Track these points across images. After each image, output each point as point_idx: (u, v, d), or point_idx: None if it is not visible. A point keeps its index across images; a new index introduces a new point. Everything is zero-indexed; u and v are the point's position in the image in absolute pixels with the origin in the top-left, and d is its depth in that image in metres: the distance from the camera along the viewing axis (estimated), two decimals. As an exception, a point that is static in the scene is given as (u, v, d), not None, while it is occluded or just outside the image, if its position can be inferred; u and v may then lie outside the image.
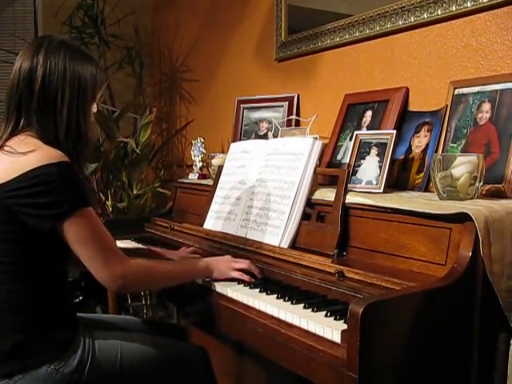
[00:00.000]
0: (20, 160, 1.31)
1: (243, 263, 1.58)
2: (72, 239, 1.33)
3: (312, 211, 1.64)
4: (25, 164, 1.30)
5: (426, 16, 1.82)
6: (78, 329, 1.44)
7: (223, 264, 1.58)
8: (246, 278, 1.55)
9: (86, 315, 1.66)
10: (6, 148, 1.36)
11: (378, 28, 1.99)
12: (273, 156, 1.80)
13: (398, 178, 1.81)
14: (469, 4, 1.68)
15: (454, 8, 1.73)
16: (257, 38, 2.66)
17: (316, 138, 1.78)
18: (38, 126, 1.38)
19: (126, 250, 1.79)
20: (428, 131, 1.77)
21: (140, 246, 2.10)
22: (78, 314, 1.53)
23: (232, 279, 1.56)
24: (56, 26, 3.10)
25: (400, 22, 1.90)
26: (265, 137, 2.41)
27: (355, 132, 1.81)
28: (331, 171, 1.70)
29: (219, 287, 1.53)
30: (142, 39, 3.37)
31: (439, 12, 1.77)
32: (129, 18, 3.29)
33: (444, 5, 1.75)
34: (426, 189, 1.69)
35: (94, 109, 1.51)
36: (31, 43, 1.47)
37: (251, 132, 2.48)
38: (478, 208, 1.24)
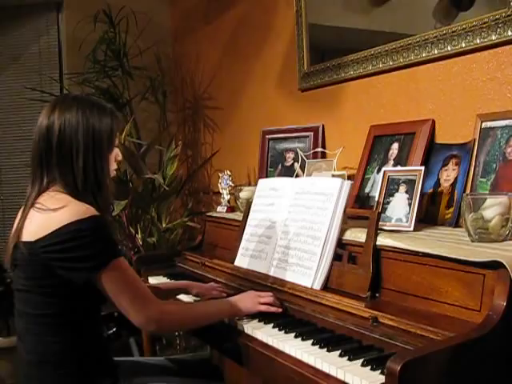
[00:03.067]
0: (52, 216, 1.37)
1: (268, 297, 1.64)
2: (107, 290, 1.39)
3: (343, 252, 1.64)
4: (57, 220, 1.36)
5: (449, 48, 1.82)
6: (118, 376, 1.48)
7: (249, 300, 1.63)
8: (273, 309, 1.61)
9: (124, 360, 1.69)
10: (37, 205, 1.41)
11: (401, 60, 1.99)
12: (301, 195, 1.81)
13: (427, 212, 1.80)
14: (493, 37, 1.68)
15: (478, 41, 1.73)
16: (279, 67, 2.68)
17: (344, 178, 1.79)
18: (61, 179, 1.45)
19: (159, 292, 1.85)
20: (456, 165, 1.77)
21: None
22: (117, 359, 1.57)
23: (260, 313, 1.60)
24: (80, 60, 3.16)
25: (424, 54, 1.91)
26: (291, 167, 2.43)
27: (383, 169, 1.81)
28: (361, 212, 1.71)
29: (254, 331, 1.54)
30: (163, 69, 3.42)
31: (463, 44, 1.77)
32: (150, 48, 3.34)
33: (468, 37, 1.75)
34: (457, 224, 1.69)
35: (119, 156, 1.58)
36: (49, 103, 1.55)
37: (277, 163, 2.50)
38: (511, 255, 1.23)
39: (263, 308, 1.60)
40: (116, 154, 1.55)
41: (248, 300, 1.62)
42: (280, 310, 1.60)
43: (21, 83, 3.53)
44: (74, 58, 3.31)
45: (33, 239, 1.37)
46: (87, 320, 1.44)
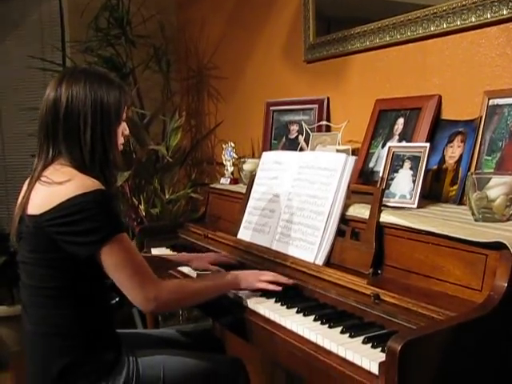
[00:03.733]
0: (57, 190, 1.37)
1: (269, 275, 1.63)
2: (108, 265, 1.39)
3: (346, 228, 1.65)
4: (62, 193, 1.36)
5: (459, 23, 1.78)
6: (122, 348, 1.49)
7: (251, 276, 1.63)
8: (271, 287, 1.60)
9: (127, 332, 1.71)
10: (42, 178, 1.42)
11: (409, 33, 1.96)
12: (305, 170, 1.80)
13: (431, 189, 1.80)
14: (505, 11, 1.64)
15: (488, 15, 1.69)
16: (285, 37, 2.64)
17: (348, 152, 1.78)
18: (67, 152, 1.44)
19: (160, 260, 1.87)
20: (462, 141, 1.76)
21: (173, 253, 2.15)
22: (120, 331, 1.59)
23: (259, 290, 1.61)
24: (82, 28, 3.11)
25: (432, 28, 1.87)
26: (295, 140, 2.41)
27: (388, 144, 1.80)
28: (365, 188, 1.70)
29: (256, 305, 1.55)
30: (167, 37, 3.37)
31: (473, 19, 1.74)
32: (154, 16, 3.29)
33: (478, 11, 1.72)
34: (461, 201, 1.68)
35: (126, 131, 1.57)
36: (56, 76, 1.54)
37: (281, 135, 2.48)
38: (515, 237, 1.23)
39: (262, 285, 1.60)
40: (123, 128, 1.55)
41: (249, 276, 1.63)
42: (279, 288, 1.59)
43: (22, 51, 3.47)
44: (76, 25, 3.26)
45: (38, 212, 1.38)
46: (91, 293, 1.45)
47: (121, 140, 1.55)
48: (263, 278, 1.61)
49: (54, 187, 1.38)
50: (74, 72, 1.50)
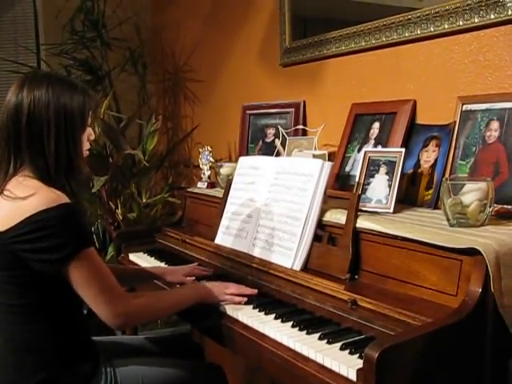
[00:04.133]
0: (20, 205, 1.32)
1: (234, 288, 1.63)
2: (75, 281, 1.35)
3: (323, 233, 1.66)
4: (25, 209, 1.31)
5: (432, 29, 1.80)
6: (99, 358, 1.48)
7: (216, 289, 1.61)
8: (237, 299, 1.59)
9: (104, 339, 1.70)
10: (5, 192, 1.37)
11: (384, 38, 1.98)
12: (282, 175, 1.81)
13: (407, 193, 1.82)
14: (476, 19, 1.67)
15: (460, 22, 1.72)
16: (261, 41, 2.65)
17: (325, 158, 1.79)
18: (31, 163, 1.39)
19: (134, 273, 1.86)
20: (436, 146, 1.78)
21: (155, 261, 2.14)
22: (97, 339, 1.57)
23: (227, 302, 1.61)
24: (57, 30, 3.08)
25: (406, 34, 1.89)
26: (272, 144, 2.42)
27: (364, 149, 1.82)
28: (342, 194, 1.71)
29: (235, 312, 1.55)
30: (143, 39, 3.35)
31: (446, 26, 1.76)
32: (130, 18, 3.27)
33: (451, 19, 1.74)
34: (435, 206, 1.71)
35: (92, 136, 1.52)
36: (17, 80, 1.47)
37: (258, 139, 2.49)
38: (488, 243, 1.25)
39: (227, 297, 1.59)
40: (89, 133, 1.50)
41: (215, 289, 1.61)
42: (244, 299, 1.59)
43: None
44: (51, 27, 3.23)
45: (2, 229, 1.33)
46: (63, 308, 1.42)
47: (86, 146, 1.50)
48: (228, 291, 1.60)
49: (18, 202, 1.33)
50: (35, 76, 1.45)
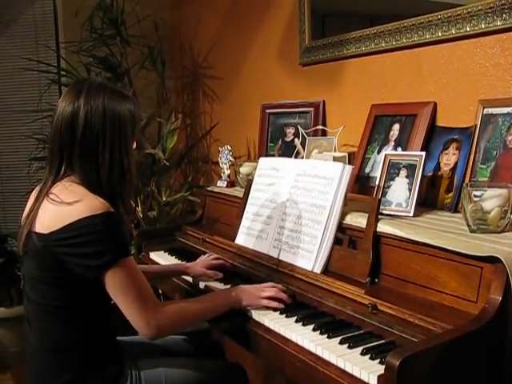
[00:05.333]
0: (66, 210, 1.36)
1: (271, 291, 1.62)
2: (112, 288, 1.38)
3: (343, 236, 1.67)
4: (70, 214, 1.35)
5: (453, 31, 1.80)
6: (125, 361, 1.51)
7: (252, 293, 1.61)
8: (274, 304, 1.59)
9: (128, 339, 1.73)
10: (51, 196, 1.41)
11: (404, 40, 1.98)
12: (303, 177, 1.82)
13: (427, 195, 1.83)
14: (498, 22, 1.66)
15: (482, 25, 1.71)
16: (280, 39, 2.65)
17: (345, 160, 1.80)
18: (81, 170, 1.43)
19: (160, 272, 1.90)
20: (457, 149, 1.78)
21: (175, 259, 2.18)
22: (120, 339, 1.60)
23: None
24: (76, 27, 3.09)
25: (427, 36, 1.89)
26: (291, 143, 2.43)
27: (384, 152, 1.83)
28: (362, 198, 1.72)
29: (257, 315, 1.58)
30: (162, 35, 3.36)
31: (467, 28, 1.76)
32: (149, 15, 3.28)
33: (473, 21, 1.74)
34: (455, 209, 1.71)
35: (134, 145, 1.54)
36: (71, 87, 1.50)
37: (277, 138, 2.50)
38: (509, 251, 1.26)
39: (265, 302, 1.59)
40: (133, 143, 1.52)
41: (250, 292, 1.61)
42: (281, 305, 1.59)
43: (15, 51, 3.46)
44: (70, 25, 3.24)
45: (46, 232, 1.37)
46: (95, 312, 1.46)
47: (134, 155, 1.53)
48: (265, 295, 1.60)
49: (63, 207, 1.37)
50: (91, 86, 1.46)
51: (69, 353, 1.43)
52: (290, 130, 2.46)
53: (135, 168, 1.51)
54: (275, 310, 1.59)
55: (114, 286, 1.38)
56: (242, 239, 2.03)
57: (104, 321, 1.49)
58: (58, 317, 1.42)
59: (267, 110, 2.55)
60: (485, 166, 1.67)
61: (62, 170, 1.44)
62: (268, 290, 1.62)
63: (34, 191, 1.52)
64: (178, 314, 1.49)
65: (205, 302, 1.60)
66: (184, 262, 2.03)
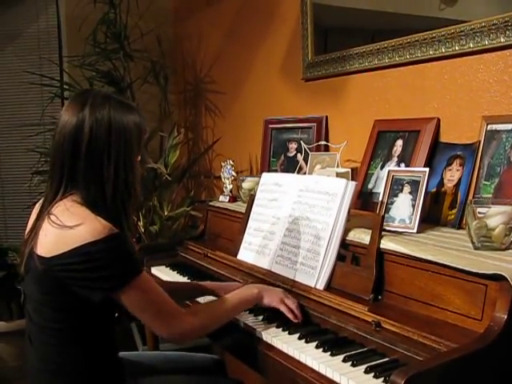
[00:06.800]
0: (67, 234, 1.30)
1: (293, 303, 1.61)
2: (129, 307, 1.35)
3: (347, 252, 1.66)
4: (72, 239, 1.30)
5: (457, 48, 1.80)
6: (125, 380, 1.50)
7: (276, 294, 1.62)
8: (291, 316, 1.58)
9: (130, 356, 1.71)
10: (52, 217, 1.35)
11: (407, 56, 1.98)
12: (305, 193, 1.82)
13: (430, 211, 1.82)
14: (502, 39, 1.67)
15: (486, 42, 1.71)
16: (283, 55, 2.66)
17: (348, 176, 1.79)
18: (84, 187, 1.36)
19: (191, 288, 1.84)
20: (460, 165, 1.78)
21: (177, 275, 2.16)
22: (122, 355, 1.58)
23: (276, 311, 1.60)
24: (79, 42, 3.10)
25: (431, 52, 1.89)
26: (294, 158, 2.43)
27: (387, 168, 1.82)
28: (366, 214, 1.72)
29: (258, 331, 1.56)
30: (165, 50, 3.38)
31: (471, 44, 1.76)
32: (152, 30, 3.30)
33: (476, 38, 1.74)
34: (459, 225, 1.70)
35: (138, 159, 1.47)
36: (74, 99, 1.44)
37: (280, 153, 2.50)
38: (514, 268, 1.25)
39: (283, 308, 1.58)
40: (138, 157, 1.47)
41: (274, 293, 1.62)
42: (296, 320, 1.57)
43: (19, 64, 3.48)
44: (74, 39, 3.27)
45: (47, 255, 1.32)
46: (99, 334, 1.43)
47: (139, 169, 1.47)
48: (287, 302, 1.59)
49: (65, 231, 1.31)
50: (96, 97, 1.39)
51: (69, 374, 1.40)
52: (293, 146, 2.46)
53: (140, 183, 1.47)
54: (278, 326, 1.58)
55: (131, 305, 1.34)
56: (244, 255, 2.01)
57: (106, 341, 1.46)
58: (59, 339, 1.39)
59: (270, 125, 2.55)
60: (488, 183, 1.67)
61: (63, 185, 1.38)
62: (291, 299, 1.62)
63: (36, 205, 1.49)
64: (202, 319, 1.48)
65: (229, 302, 1.56)
66: (188, 280, 2.01)
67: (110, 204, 1.37)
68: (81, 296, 1.33)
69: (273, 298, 1.60)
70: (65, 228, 1.31)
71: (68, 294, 1.34)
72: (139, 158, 1.46)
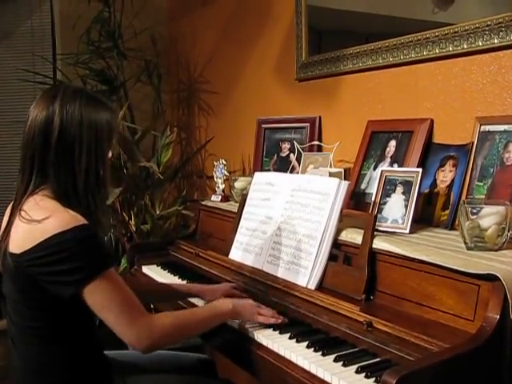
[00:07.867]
0: (36, 228, 1.29)
1: (267, 311, 1.58)
2: (94, 304, 1.31)
3: (339, 252, 1.65)
4: (40, 232, 1.28)
5: (451, 48, 1.80)
6: (112, 378, 1.48)
7: (249, 308, 1.58)
8: (272, 321, 1.55)
9: (116, 354, 1.68)
10: (22, 213, 1.33)
11: (401, 56, 1.98)
12: (298, 193, 1.81)
13: (423, 212, 1.81)
14: (496, 40, 1.67)
15: (480, 43, 1.71)
16: (277, 55, 2.65)
17: (341, 176, 1.78)
18: (55, 179, 1.35)
19: (170, 290, 1.80)
20: (453, 166, 1.77)
21: (168, 274, 2.14)
22: (109, 354, 1.56)
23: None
24: (73, 40, 3.09)
25: (424, 53, 1.89)
26: (287, 158, 2.42)
27: (380, 168, 1.82)
28: (358, 214, 1.71)
29: (249, 330, 1.55)
30: (159, 49, 3.37)
31: (465, 45, 1.76)
32: (146, 29, 3.29)
33: (470, 39, 1.74)
34: (452, 226, 1.70)
35: (109, 154, 1.48)
36: (45, 92, 1.43)
37: (273, 153, 2.49)
38: (507, 269, 1.25)
39: (261, 319, 1.55)
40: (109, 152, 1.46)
41: (248, 308, 1.57)
42: (280, 320, 1.55)
43: (12, 62, 3.46)
44: (68, 37, 3.25)
45: (18, 251, 1.30)
46: (80, 331, 1.40)
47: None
48: (262, 312, 1.57)
49: (33, 225, 1.29)
50: (66, 90, 1.39)
51: (53, 373, 1.37)
52: (286, 146, 2.45)
53: (109, 178, 1.45)
54: (269, 326, 1.56)
55: (96, 301, 1.30)
56: (235, 254, 2.00)
57: (89, 338, 1.43)
58: (39, 338, 1.36)
59: (263, 125, 2.55)
60: (481, 184, 1.67)
61: (33, 177, 1.36)
62: (264, 308, 1.59)
63: (9, 205, 1.45)
64: (173, 325, 1.41)
65: (202, 312, 1.54)
66: (179, 280, 1.99)
67: (82, 197, 1.36)
68: (51, 293, 1.30)
69: (247, 313, 1.56)
70: (33, 222, 1.29)
71: (39, 291, 1.31)
72: (110, 153, 1.46)
